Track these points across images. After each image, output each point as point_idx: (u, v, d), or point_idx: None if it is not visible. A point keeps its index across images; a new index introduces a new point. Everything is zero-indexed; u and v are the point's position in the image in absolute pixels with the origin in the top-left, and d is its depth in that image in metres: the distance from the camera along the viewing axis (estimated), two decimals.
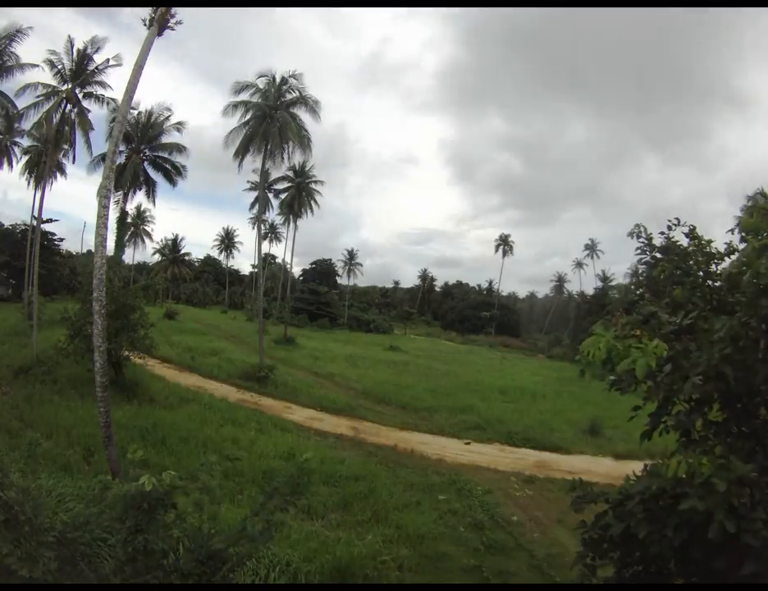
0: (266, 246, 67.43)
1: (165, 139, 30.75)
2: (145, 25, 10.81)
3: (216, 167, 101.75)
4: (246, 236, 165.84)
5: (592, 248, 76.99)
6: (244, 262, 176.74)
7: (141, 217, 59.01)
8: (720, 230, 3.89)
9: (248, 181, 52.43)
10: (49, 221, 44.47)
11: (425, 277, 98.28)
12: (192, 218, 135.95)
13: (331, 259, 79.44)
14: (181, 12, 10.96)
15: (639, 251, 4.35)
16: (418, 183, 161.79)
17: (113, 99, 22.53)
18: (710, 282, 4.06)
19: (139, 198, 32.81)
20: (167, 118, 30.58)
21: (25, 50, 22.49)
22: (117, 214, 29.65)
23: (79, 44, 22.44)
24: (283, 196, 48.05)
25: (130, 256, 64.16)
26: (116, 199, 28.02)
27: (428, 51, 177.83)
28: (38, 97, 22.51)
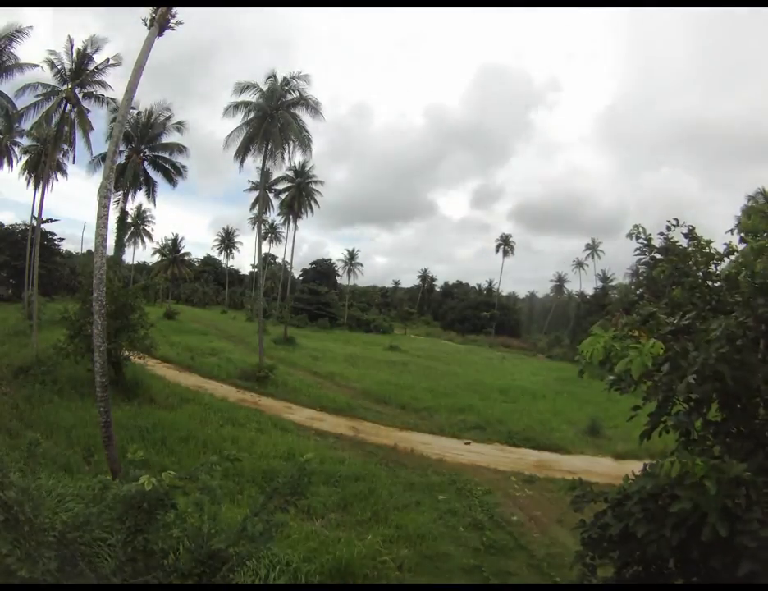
0: (266, 246, 67.51)
1: (165, 139, 30.80)
2: (145, 25, 10.83)
3: None
4: (246, 236, 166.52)
5: (593, 248, 77.08)
6: (244, 262, 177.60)
7: (141, 217, 59.06)
8: None
9: (248, 181, 52.72)
10: (49, 221, 44.52)
11: (425, 277, 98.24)
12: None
13: (330, 259, 79.68)
14: None
15: (638, 252, 4.35)
16: None
17: (113, 99, 22.55)
18: (709, 283, 4.06)
19: (139, 198, 32.91)
20: (168, 118, 30.62)
21: (24, 50, 22.56)
22: (117, 214, 29.72)
23: (79, 44, 22.48)
24: (283, 196, 48.12)
25: (130, 256, 64.38)
26: (116, 199, 28.04)
27: None
28: (37, 96, 22.54)
